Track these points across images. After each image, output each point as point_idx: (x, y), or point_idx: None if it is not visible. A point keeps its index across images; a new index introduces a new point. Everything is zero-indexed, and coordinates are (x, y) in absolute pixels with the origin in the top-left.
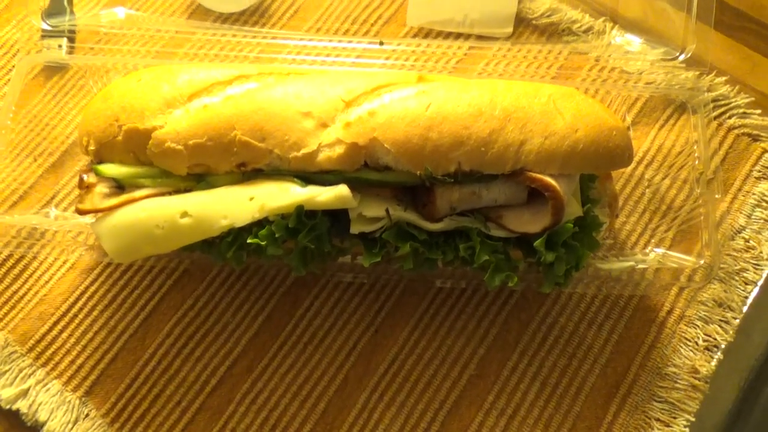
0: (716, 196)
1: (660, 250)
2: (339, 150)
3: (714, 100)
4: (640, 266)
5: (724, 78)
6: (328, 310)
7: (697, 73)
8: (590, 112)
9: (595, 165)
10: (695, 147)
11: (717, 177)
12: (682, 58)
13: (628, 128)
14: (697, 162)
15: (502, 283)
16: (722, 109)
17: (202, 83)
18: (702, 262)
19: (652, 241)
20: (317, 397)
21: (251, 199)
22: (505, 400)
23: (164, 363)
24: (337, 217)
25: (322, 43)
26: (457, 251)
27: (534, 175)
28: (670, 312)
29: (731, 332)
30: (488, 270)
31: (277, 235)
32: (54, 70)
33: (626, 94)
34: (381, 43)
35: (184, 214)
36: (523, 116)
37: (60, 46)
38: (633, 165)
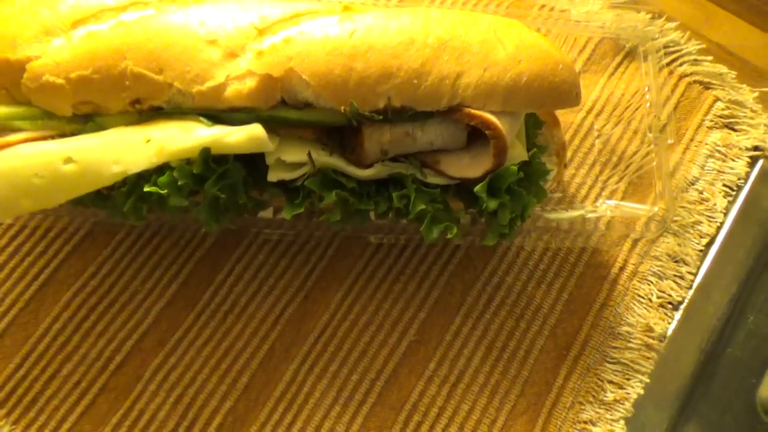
0: (669, 141)
1: (612, 202)
2: (250, 83)
3: (664, 47)
4: (591, 215)
5: (674, 23)
6: (251, 275)
7: (649, 16)
8: (534, 44)
9: (541, 101)
10: (647, 91)
11: (670, 122)
12: None
13: (579, 73)
14: (648, 105)
15: (440, 235)
16: (673, 56)
17: (90, 9)
18: (656, 209)
19: (603, 193)
20: (239, 371)
21: (148, 141)
22: (447, 366)
23: (61, 339)
24: (253, 163)
25: None
26: (390, 201)
27: (473, 111)
28: (622, 268)
29: (686, 288)
30: (425, 221)
31: (180, 183)
32: None
33: (577, 35)
34: None
35: (68, 160)
36: (459, 45)
37: None
38: (582, 114)
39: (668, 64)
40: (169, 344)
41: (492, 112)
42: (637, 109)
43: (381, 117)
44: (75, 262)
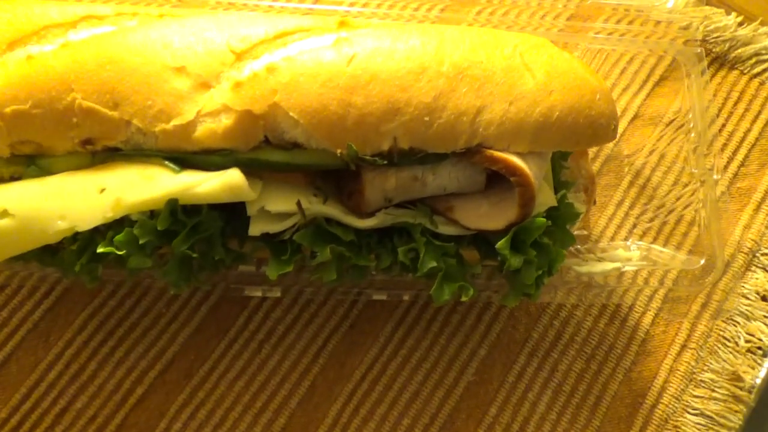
0: (715, 177)
1: (643, 244)
2: (226, 121)
3: (756, 54)
4: (627, 268)
5: None
6: (290, 299)
7: (739, 18)
8: (567, 69)
9: (575, 139)
10: (690, 115)
11: (713, 152)
12: None
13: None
14: (692, 134)
15: (453, 297)
16: (766, 65)
17: (31, 25)
18: (702, 261)
19: (635, 231)
20: (275, 410)
21: (102, 191)
22: (510, 412)
23: (74, 367)
24: (234, 210)
25: None
26: (394, 254)
27: (495, 153)
28: (705, 305)
29: None
30: (436, 279)
31: (141, 242)
32: None
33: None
34: None
35: (4, 214)
36: (480, 74)
37: None
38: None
39: (758, 75)
40: (197, 377)
41: (517, 154)
42: (677, 131)
43: (385, 161)
44: None
